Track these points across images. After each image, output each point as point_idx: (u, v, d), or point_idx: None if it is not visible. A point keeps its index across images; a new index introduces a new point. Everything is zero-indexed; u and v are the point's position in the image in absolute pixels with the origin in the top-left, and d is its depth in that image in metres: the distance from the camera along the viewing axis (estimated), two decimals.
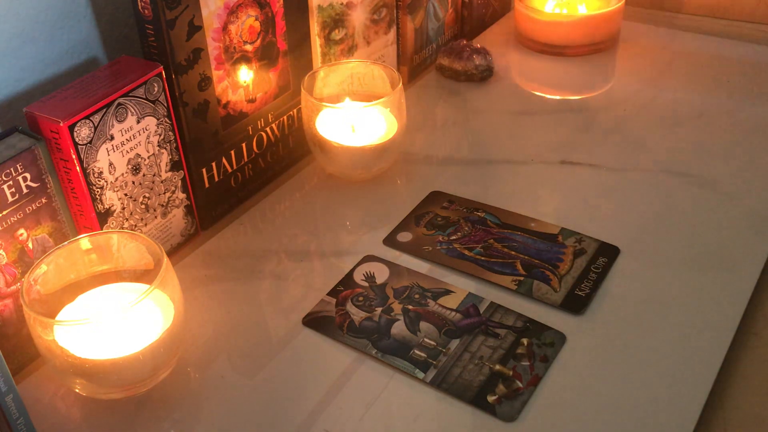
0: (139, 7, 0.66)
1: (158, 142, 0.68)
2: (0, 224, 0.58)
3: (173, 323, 0.58)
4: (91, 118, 0.62)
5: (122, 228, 0.67)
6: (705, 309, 0.64)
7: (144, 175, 0.68)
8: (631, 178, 0.80)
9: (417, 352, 0.62)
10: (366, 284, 0.68)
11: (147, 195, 0.69)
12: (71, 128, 0.60)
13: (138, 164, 0.67)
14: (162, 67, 0.66)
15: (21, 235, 0.60)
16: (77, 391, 0.59)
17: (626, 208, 0.76)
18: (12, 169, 0.58)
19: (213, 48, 0.71)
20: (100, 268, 0.63)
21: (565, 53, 1.04)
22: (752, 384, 0.60)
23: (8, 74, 0.67)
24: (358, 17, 0.89)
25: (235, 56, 0.74)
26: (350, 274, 0.70)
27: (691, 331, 0.62)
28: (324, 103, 0.79)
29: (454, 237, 0.73)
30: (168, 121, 0.69)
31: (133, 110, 0.65)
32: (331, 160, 0.80)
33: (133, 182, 0.67)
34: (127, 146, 0.66)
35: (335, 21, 0.85)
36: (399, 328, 0.64)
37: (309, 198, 0.81)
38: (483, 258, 0.70)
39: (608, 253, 0.70)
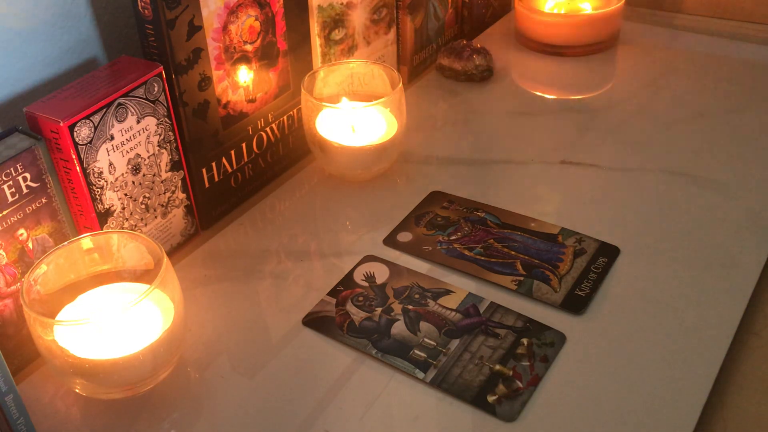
0: (139, 7, 0.66)
1: (158, 142, 0.68)
2: (0, 224, 0.58)
3: (173, 323, 0.58)
4: (91, 118, 0.62)
5: (122, 228, 0.67)
6: (705, 309, 0.64)
7: (144, 175, 0.68)
8: (631, 178, 0.80)
9: (417, 352, 0.62)
10: (366, 284, 0.68)
11: (147, 195, 0.69)
12: (71, 128, 0.60)
13: (138, 164, 0.67)
14: (162, 67, 0.66)
15: (21, 235, 0.60)
16: (77, 391, 0.59)
17: (626, 208, 0.76)
18: (12, 169, 0.58)
19: (213, 48, 0.71)
20: (100, 268, 0.63)
21: (565, 53, 1.04)
22: (752, 384, 0.60)
23: (8, 74, 0.67)
24: (358, 17, 0.89)
25: (235, 56, 0.74)
26: (350, 274, 0.70)
27: (691, 331, 0.62)
28: (324, 103, 0.79)
29: (454, 237, 0.73)
30: (168, 121, 0.69)
31: (133, 110, 0.65)
32: (331, 160, 0.80)
33: (133, 182, 0.67)
34: (127, 146, 0.66)
35: (335, 21, 0.85)
36: (399, 328, 0.64)
37: (309, 198, 0.81)
38: (483, 258, 0.70)
39: (608, 253, 0.70)
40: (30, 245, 0.61)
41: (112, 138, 0.64)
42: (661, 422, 0.55)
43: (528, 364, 0.60)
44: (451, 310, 0.65)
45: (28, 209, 0.60)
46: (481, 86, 0.98)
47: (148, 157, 0.68)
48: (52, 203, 0.61)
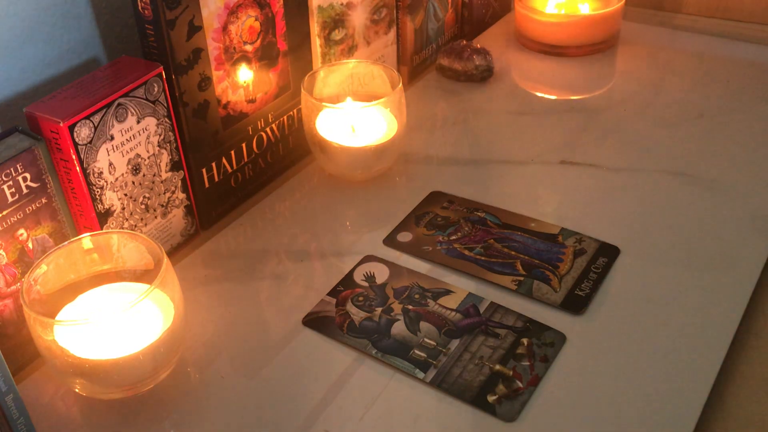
0: (139, 7, 0.66)
1: (158, 142, 0.68)
2: (0, 224, 0.58)
3: (173, 323, 0.58)
4: (91, 118, 0.62)
5: (122, 228, 0.67)
6: (705, 309, 0.64)
7: (144, 175, 0.68)
8: (631, 178, 0.80)
9: (417, 352, 0.62)
10: (366, 284, 0.68)
11: (147, 195, 0.69)
12: (71, 128, 0.60)
13: (138, 164, 0.67)
14: (162, 67, 0.66)
15: (21, 235, 0.60)
16: (77, 391, 0.59)
17: (626, 208, 0.76)
18: (12, 169, 0.58)
19: (213, 48, 0.71)
20: (100, 268, 0.63)
21: (565, 53, 1.04)
22: (752, 384, 0.60)
23: (8, 74, 0.67)
24: (358, 17, 0.89)
25: (235, 56, 0.74)
26: (350, 274, 0.70)
27: (691, 331, 0.62)
28: (324, 103, 0.79)
29: (454, 237, 0.73)
30: (168, 121, 0.69)
31: (133, 110, 0.65)
32: (331, 160, 0.80)
33: (133, 182, 0.67)
34: (127, 146, 0.66)
35: (335, 21, 0.85)
36: (399, 328, 0.64)
37: (309, 198, 0.81)
38: (483, 258, 0.70)
39: (608, 253, 0.70)
40: (30, 245, 0.61)
41: (112, 138, 0.64)
42: (661, 422, 0.55)
43: (528, 364, 0.60)
44: (451, 310, 0.65)
45: (28, 209, 0.60)
46: (481, 86, 0.98)
47: (148, 158, 0.68)
48: (52, 203, 0.61)
